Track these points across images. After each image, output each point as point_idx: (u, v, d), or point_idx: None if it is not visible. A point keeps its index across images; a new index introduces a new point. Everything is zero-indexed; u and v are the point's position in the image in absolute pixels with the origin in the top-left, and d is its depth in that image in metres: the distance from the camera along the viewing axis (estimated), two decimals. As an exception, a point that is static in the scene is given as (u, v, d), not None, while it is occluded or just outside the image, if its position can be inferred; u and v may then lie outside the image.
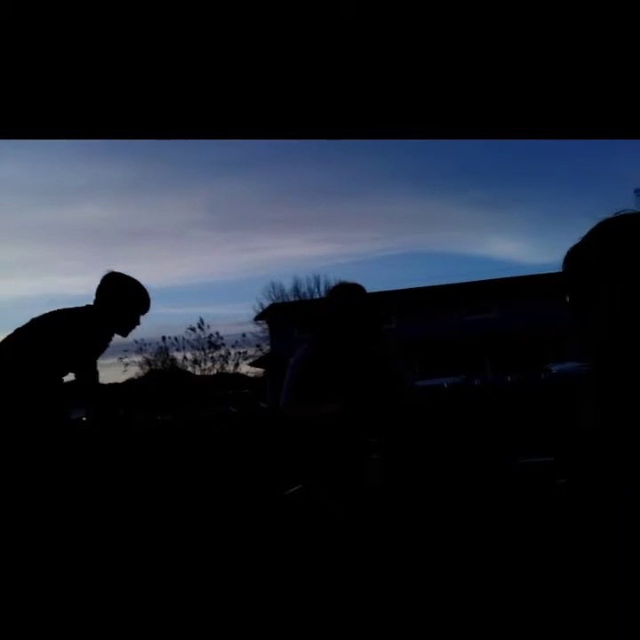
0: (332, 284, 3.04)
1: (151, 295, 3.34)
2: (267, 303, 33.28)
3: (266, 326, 31.29)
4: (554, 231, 45.70)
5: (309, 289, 34.71)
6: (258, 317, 31.85)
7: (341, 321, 2.65)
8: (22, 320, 3.16)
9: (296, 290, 34.89)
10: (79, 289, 46.25)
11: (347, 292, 2.75)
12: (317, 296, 32.75)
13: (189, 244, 47.23)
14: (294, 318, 26.41)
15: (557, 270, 1.33)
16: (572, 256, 1.30)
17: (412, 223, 48.32)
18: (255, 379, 31.15)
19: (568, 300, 1.32)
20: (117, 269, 3.31)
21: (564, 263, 1.32)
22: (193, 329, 28.16)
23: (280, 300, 33.83)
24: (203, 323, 28.75)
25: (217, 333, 28.55)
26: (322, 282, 34.27)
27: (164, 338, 27.74)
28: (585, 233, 1.29)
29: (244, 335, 28.59)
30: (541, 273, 26.93)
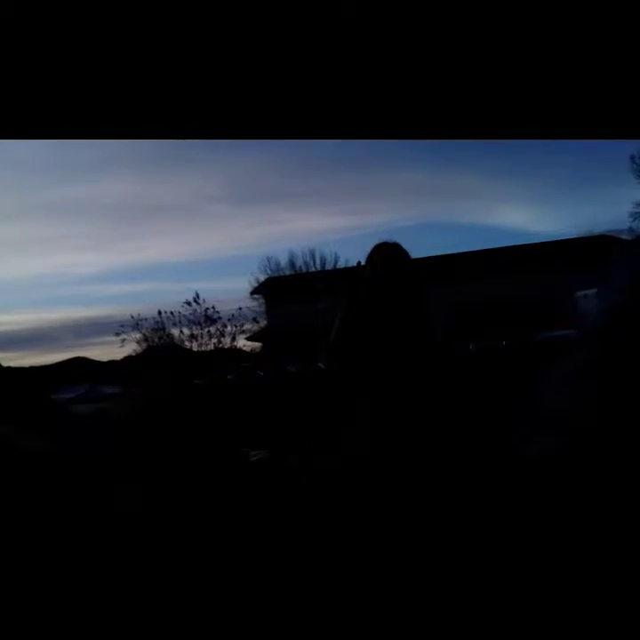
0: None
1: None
2: (263, 277, 33.24)
3: (262, 300, 31.26)
4: (563, 200, 45.49)
5: (305, 262, 34.63)
6: (254, 291, 31.82)
7: (381, 276, 2.73)
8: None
9: (292, 263, 34.79)
10: (92, 267, 45.69)
11: (385, 250, 2.80)
12: (313, 269, 32.70)
13: (203, 219, 46.06)
14: (291, 292, 26.39)
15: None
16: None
17: (423, 194, 47.40)
18: (252, 353, 31.18)
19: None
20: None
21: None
22: (188, 303, 28.05)
23: (276, 274, 33.75)
24: (198, 297, 28.59)
25: (213, 307, 28.44)
26: (317, 255, 34.22)
27: (160, 312, 27.62)
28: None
29: (240, 309, 28.56)
30: (539, 241, 26.87)
